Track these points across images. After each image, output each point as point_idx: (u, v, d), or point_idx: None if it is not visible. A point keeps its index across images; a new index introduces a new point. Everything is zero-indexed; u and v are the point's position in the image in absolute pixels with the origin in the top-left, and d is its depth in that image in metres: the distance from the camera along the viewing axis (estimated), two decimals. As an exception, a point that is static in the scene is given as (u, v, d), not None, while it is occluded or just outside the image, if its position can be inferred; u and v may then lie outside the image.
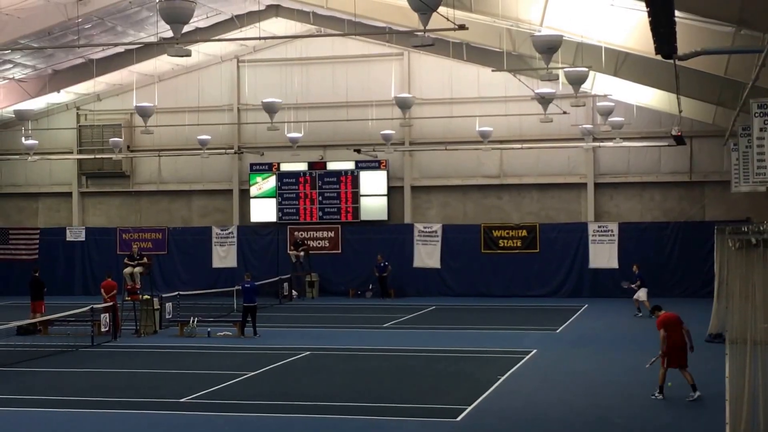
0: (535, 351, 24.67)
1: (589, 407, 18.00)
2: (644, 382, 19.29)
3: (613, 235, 39.20)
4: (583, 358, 23.95)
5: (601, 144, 37.45)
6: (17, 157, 41.41)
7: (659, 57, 16.20)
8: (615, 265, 38.65)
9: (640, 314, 31.74)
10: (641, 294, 32.65)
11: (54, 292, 36.10)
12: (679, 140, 33.62)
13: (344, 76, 41.59)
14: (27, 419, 17.57)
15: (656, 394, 18.56)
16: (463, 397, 18.57)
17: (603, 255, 38.95)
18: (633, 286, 32.96)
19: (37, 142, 39.70)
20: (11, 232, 44.73)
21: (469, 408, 17.67)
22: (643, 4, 14.21)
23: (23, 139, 39.50)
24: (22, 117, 36.16)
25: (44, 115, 43.04)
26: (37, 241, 44.27)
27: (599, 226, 39.41)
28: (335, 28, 35.21)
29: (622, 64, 28.80)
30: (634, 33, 24.90)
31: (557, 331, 29.47)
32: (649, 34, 13.70)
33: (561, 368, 22.45)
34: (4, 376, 22.11)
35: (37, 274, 31.36)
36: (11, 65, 35.89)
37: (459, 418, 16.93)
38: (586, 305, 36.10)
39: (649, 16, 12.63)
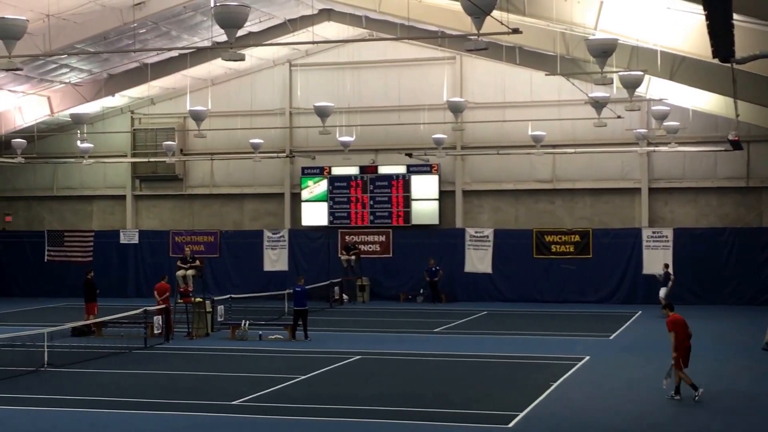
0: (587, 357, 24.43)
1: (642, 415, 17.79)
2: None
3: (668, 241, 38.67)
4: (637, 365, 23.65)
5: (656, 148, 36.93)
6: (73, 160, 41.88)
7: (716, 60, 15.96)
8: (670, 271, 38.13)
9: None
10: (661, 292, 34.07)
11: (107, 294, 36.42)
12: (735, 145, 33.03)
13: (396, 80, 41.56)
14: (80, 419, 17.75)
15: (672, 394, 18.79)
16: (515, 403, 18.44)
17: (657, 261, 38.39)
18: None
19: (92, 145, 40.10)
20: (66, 235, 45.25)
21: (521, 414, 17.55)
22: (700, 7, 14.01)
23: (78, 142, 39.93)
24: (77, 121, 36.57)
25: (99, 118, 43.47)
26: (92, 244, 44.72)
27: (653, 232, 38.92)
28: (388, 32, 35.17)
29: (678, 68, 28.44)
30: (690, 36, 24.60)
31: (610, 337, 29.19)
32: (706, 37, 13.51)
33: (614, 375, 22.23)
34: (58, 376, 22.38)
35: (89, 276, 31.66)
36: (68, 69, 36.36)
37: (511, 425, 16.81)
38: (640, 312, 35.67)
39: (706, 19, 12.44)
